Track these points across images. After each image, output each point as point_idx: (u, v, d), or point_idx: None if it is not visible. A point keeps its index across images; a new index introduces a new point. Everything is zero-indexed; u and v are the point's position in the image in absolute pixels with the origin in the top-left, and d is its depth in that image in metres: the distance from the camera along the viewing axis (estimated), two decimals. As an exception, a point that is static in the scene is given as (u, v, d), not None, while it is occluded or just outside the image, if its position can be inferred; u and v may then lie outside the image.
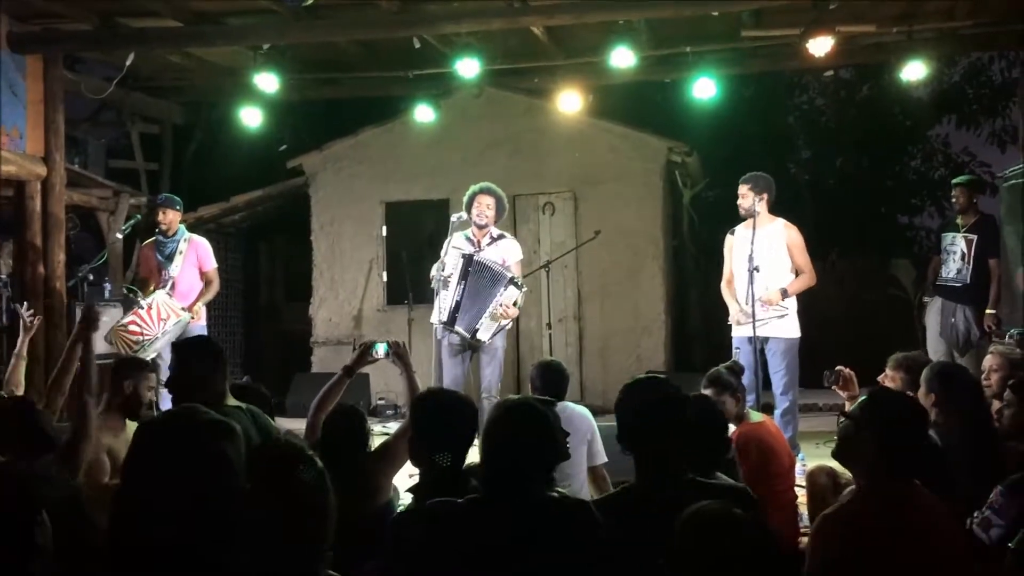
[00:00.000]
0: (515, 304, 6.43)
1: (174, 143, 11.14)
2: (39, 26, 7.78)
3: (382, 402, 9.57)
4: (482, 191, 6.59)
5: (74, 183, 8.69)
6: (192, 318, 6.89)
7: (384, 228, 10.14)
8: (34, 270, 7.65)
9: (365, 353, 4.12)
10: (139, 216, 8.67)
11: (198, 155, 11.66)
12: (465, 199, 6.65)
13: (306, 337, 10.42)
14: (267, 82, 8.16)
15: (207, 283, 7.24)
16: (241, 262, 12.01)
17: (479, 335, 6.38)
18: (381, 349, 4.11)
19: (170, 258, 7.12)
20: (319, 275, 10.38)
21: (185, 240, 7.21)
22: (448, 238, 6.58)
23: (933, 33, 8.32)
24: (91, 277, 7.66)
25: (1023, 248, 6.90)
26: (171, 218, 7.19)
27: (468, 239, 6.58)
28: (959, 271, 7.17)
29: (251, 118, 9.21)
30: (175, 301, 6.85)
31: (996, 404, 4.15)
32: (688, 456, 2.88)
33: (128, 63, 8.08)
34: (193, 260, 7.18)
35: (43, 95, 7.79)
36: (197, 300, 7.07)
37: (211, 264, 7.30)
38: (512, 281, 6.39)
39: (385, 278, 10.09)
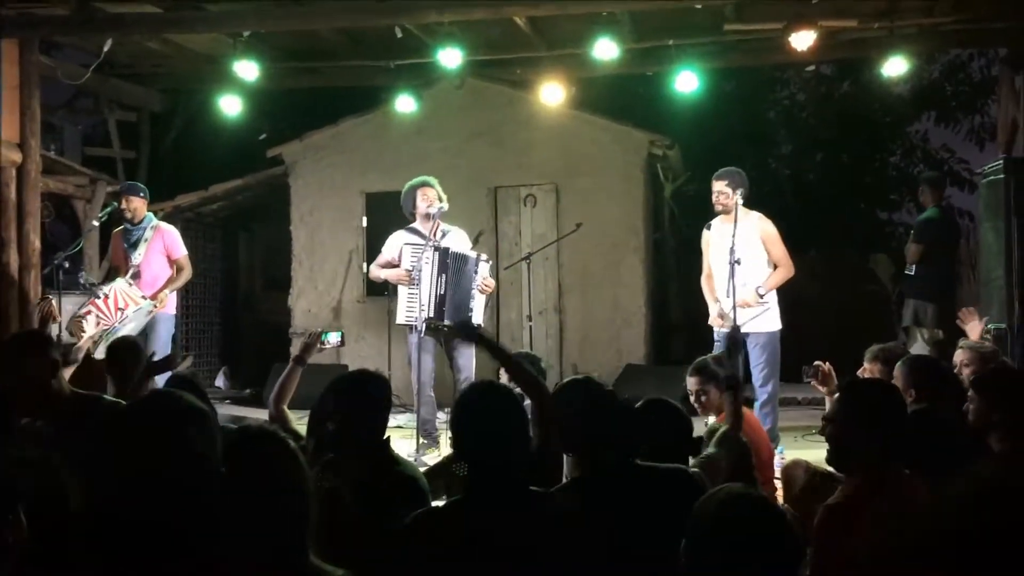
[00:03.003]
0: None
1: (152, 131, 11.02)
2: (15, 10, 7.65)
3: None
4: (424, 184, 6.66)
5: (50, 170, 8.58)
6: (156, 306, 6.83)
7: (364, 219, 10.05)
8: (8, 258, 7.56)
9: (314, 343, 3.95)
10: (115, 204, 8.54)
11: (176, 143, 11.53)
12: (404, 194, 6.69)
13: (284, 327, 10.33)
14: (247, 70, 8.10)
15: (178, 270, 7.15)
16: (220, 251, 11.90)
17: (475, 319, 6.40)
18: (333, 337, 4.00)
19: (135, 246, 7.04)
20: (298, 265, 10.30)
21: (152, 227, 7.12)
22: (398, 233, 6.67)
23: (914, 29, 8.36)
24: (66, 265, 7.55)
25: (1002, 244, 6.93)
26: (135, 205, 7.11)
27: (417, 232, 6.55)
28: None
29: (230, 106, 9.13)
30: (135, 289, 6.77)
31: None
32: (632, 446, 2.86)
33: (106, 49, 8.00)
34: (159, 247, 7.09)
35: (19, 80, 7.69)
36: (164, 287, 6.98)
37: (180, 251, 7.20)
38: (479, 259, 6.52)
39: (365, 269, 10.02)
